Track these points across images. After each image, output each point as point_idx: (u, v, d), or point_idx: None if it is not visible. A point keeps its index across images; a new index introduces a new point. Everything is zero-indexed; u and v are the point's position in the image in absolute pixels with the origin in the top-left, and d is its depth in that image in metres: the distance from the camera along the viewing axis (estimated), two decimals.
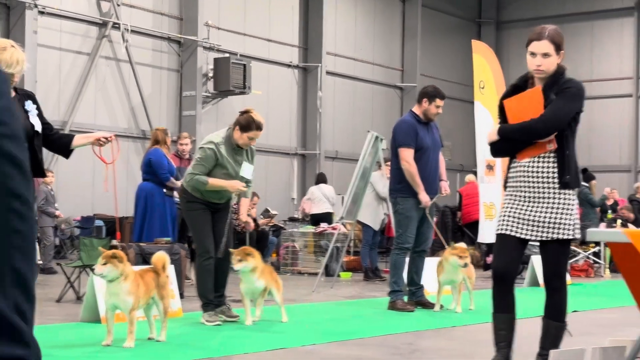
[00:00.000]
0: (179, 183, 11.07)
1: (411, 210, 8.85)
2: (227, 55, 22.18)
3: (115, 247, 9.63)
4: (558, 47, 5.00)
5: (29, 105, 6.15)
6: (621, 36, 28.48)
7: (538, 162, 5.06)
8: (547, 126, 4.98)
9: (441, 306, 9.08)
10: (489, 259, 15.54)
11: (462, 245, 9.51)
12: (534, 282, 12.74)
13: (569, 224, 5.04)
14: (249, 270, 7.53)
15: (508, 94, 5.17)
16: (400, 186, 8.92)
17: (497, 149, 5.18)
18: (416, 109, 9.08)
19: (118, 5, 20.55)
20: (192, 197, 7.93)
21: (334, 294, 11.01)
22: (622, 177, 27.80)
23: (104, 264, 6.19)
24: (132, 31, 20.88)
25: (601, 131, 28.16)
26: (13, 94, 6.10)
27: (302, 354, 6.23)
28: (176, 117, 22.20)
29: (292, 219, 21.67)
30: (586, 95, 5.12)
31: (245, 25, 23.35)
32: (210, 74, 22.31)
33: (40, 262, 12.03)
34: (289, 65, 24.42)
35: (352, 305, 9.75)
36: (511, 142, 5.07)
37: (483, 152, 13.24)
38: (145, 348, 6.23)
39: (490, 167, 13.32)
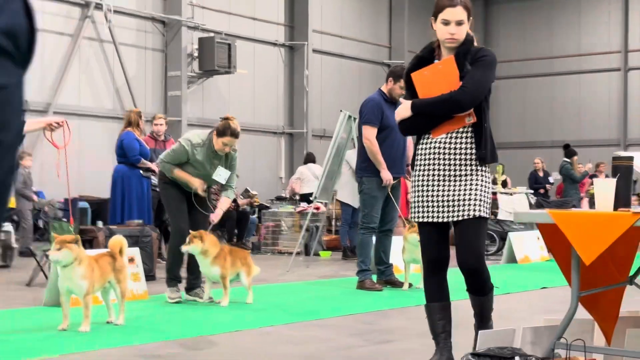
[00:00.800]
0: (151, 164, 11.09)
1: (376, 190, 8.85)
2: (211, 34, 22.11)
3: (87, 230, 9.66)
4: (469, 14, 4.70)
5: None
6: (608, 9, 28.37)
7: (455, 137, 4.75)
8: (470, 97, 4.65)
9: (410, 285, 9.09)
10: None
11: None
12: (512, 259, 12.78)
13: (482, 201, 4.73)
14: (198, 253, 7.60)
15: (414, 67, 4.78)
16: (365, 165, 8.92)
17: (408, 126, 4.81)
18: (384, 88, 9.06)
19: None
20: (168, 179, 8.07)
21: (308, 274, 11.04)
22: (611, 151, 27.78)
23: (59, 249, 6.20)
24: (115, 11, 20.77)
25: (590, 106, 28.11)
26: None
27: (257, 336, 6.25)
28: (162, 98, 22.15)
29: (280, 198, 21.65)
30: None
31: (230, 3, 23.25)
32: (195, 54, 22.24)
33: (16, 245, 12.03)
34: (274, 44, 24.34)
35: (324, 285, 9.78)
36: (426, 118, 4.73)
37: None
38: (101, 332, 6.25)
39: None
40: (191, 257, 8.05)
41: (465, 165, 4.76)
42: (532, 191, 17.21)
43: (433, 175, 4.81)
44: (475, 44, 4.79)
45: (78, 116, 20.43)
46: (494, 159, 4.81)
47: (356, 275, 9.25)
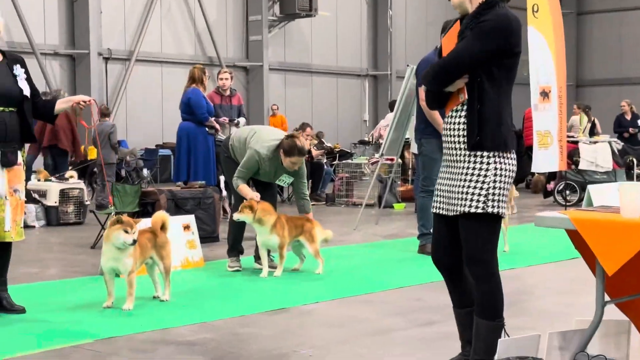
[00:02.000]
0: (216, 123, 11.02)
1: (436, 151, 8.57)
2: None
3: (149, 193, 9.70)
4: None
5: (17, 69, 6.10)
6: None
7: (452, 117, 4.30)
8: (435, 71, 4.23)
9: None
10: (550, 186, 15.12)
11: None
12: None
13: (480, 195, 4.18)
14: (251, 222, 7.52)
15: (447, 30, 4.37)
16: (423, 126, 8.65)
17: (427, 98, 4.45)
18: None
19: None
20: (231, 156, 8.00)
21: (374, 233, 10.89)
22: None
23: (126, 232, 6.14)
24: None
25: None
26: (1, 57, 6.06)
27: (296, 316, 6.17)
28: (243, 43, 22.08)
29: (363, 142, 21.49)
30: (515, 29, 4.11)
31: None
32: None
33: (89, 202, 12.23)
34: None
35: (385, 248, 9.61)
36: (432, 92, 4.37)
37: (536, 79, 12.73)
38: (143, 309, 6.26)
39: (545, 94, 12.79)
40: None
41: (459, 149, 4.28)
42: (617, 140, 16.49)
43: (444, 160, 4.43)
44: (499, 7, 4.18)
45: (160, 63, 20.59)
46: (495, 145, 4.19)
47: (417, 238, 9.06)
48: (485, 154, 4.21)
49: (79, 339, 5.39)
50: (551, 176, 15.23)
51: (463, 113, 4.25)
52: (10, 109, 6.02)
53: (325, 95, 23.37)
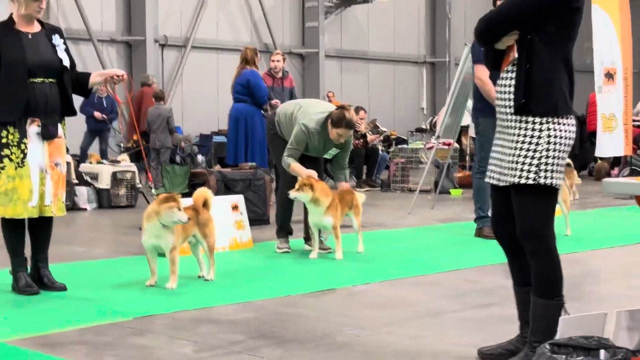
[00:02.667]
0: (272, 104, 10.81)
1: (492, 131, 8.19)
2: None
3: (199, 174, 9.52)
4: None
5: (57, 39, 5.93)
6: None
7: (502, 78, 3.98)
8: (481, 25, 3.91)
9: None
10: (614, 172, 14.60)
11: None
12: None
13: (532, 164, 3.87)
14: (308, 201, 7.24)
15: None
16: (481, 105, 8.30)
17: (484, 57, 4.14)
18: None
19: None
20: (277, 133, 7.77)
21: (429, 217, 10.57)
22: None
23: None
24: None
25: None
26: (39, 27, 5.88)
27: (344, 297, 5.90)
28: (299, 30, 21.86)
29: (420, 130, 21.14)
30: None
31: None
32: None
33: (140, 185, 12.12)
34: None
35: (440, 232, 9.29)
36: (485, 50, 4.04)
37: (600, 60, 12.27)
38: (187, 288, 6.05)
39: (609, 76, 12.33)
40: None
41: (508, 115, 3.96)
42: None
43: (497, 124, 4.09)
44: None
45: (216, 50, 20.45)
46: (546, 111, 3.85)
47: (474, 221, 8.72)
48: (536, 119, 3.89)
49: (118, 316, 5.21)
50: (615, 162, 14.74)
51: (513, 74, 3.93)
52: (50, 80, 5.85)
53: (382, 83, 23.03)
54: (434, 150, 12.02)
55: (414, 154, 14.36)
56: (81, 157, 14.69)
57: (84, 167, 11.96)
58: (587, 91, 16.35)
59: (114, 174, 11.61)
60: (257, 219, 9.26)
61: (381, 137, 16.10)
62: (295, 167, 7.48)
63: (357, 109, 15.01)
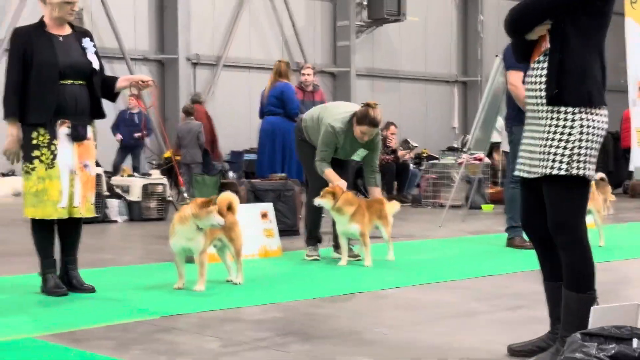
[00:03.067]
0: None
1: None
2: None
3: (229, 184, 9.52)
4: None
5: (87, 42, 5.96)
6: None
7: (533, 69, 3.93)
8: (514, 13, 3.88)
9: None
10: None
11: (597, 175, 8.74)
12: None
13: (564, 155, 3.81)
14: (330, 209, 7.20)
15: None
16: (514, 113, 8.21)
17: (512, 48, 4.06)
18: None
19: None
20: (305, 138, 7.76)
21: (460, 230, 10.48)
22: None
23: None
24: None
25: None
26: (70, 30, 5.92)
27: (374, 299, 5.84)
28: (330, 48, 21.92)
29: (452, 149, 21.03)
30: None
31: None
32: (365, 2, 21.80)
33: (171, 198, 12.15)
34: None
35: (471, 242, 9.21)
36: (515, 41, 4.02)
37: (635, 73, 12.13)
38: (214, 290, 6.03)
39: None
40: None
41: (540, 106, 3.90)
42: None
43: (526, 116, 4.05)
44: None
45: (248, 68, 20.57)
46: (579, 100, 3.79)
47: (505, 231, 8.63)
48: (569, 109, 3.82)
49: (144, 314, 5.19)
50: None
51: (545, 64, 3.88)
52: (80, 82, 5.88)
53: (414, 102, 22.99)
54: (464, 164, 11.93)
55: (446, 170, 14.27)
56: (113, 173, 14.78)
57: (115, 179, 12.01)
58: (622, 110, 16.21)
59: (145, 187, 11.64)
60: (286, 230, 9.23)
61: (412, 154, 16.03)
62: (329, 174, 7.44)
63: (388, 124, 14.97)
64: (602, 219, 8.66)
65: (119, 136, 15.86)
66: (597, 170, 11.76)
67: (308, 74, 11.48)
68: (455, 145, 20.48)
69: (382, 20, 21.59)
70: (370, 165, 7.74)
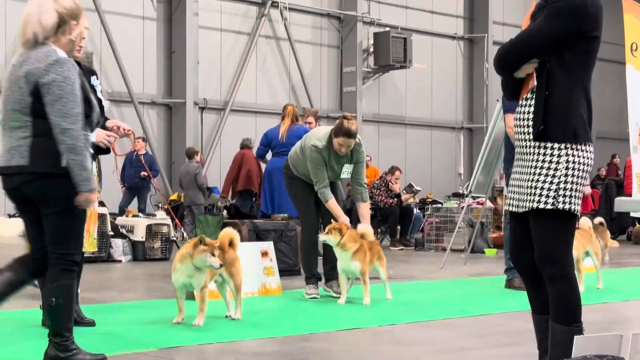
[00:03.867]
0: None
1: None
2: (387, 29, 21.84)
3: (230, 224, 9.62)
4: None
5: (94, 80, 6.13)
6: None
7: (522, 106, 4.03)
8: (502, 53, 3.98)
9: None
10: None
11: (596, 220, 8.81)
12: None
13: (550, 189, 3.92)
14: (335, 245, 7.28)
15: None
16: (510, 155, 8.29)
17: (502, 85, 4.17)
18: None
19: None
20: (293, 174, 7.91)
21: (461, 272, 10.54)
22: None
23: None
24: (291, 9, 20.94)
25: None
26: (77, 68, 6.06)
27: (370, 335, 5.91)
28: (337, 94, 22.13)
29: (456, 195, 21.12)
30: (591, 12, 3.82)
31: None
32: (371, 49, 22.06)
33: (175, 238, 12.25)
34: (453, 37, 23.75)
35: (471, 283, 9.27)
36: (505, 79, 4.11)
37: (636, 119, 12.26)
38: (213, 325, 6.10)
39: None
40: (326, 247, 7.83)
41: (527, 142, 4.01)
42: None
43: (515, 152, 4.17)
44: None
45: (254, 113, 20.76)
46: (565, 136, 3.90)
47: (504, 273, 8.69)
48: (555, 145, 3.95)
49: (144, 347, 5.27)
50: None
51: (532, 102, 4.00)
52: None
53: (419, 148, 23.14)
54: (465, 208, 12.03)
55: (449, 214, 14.36)
56: (119, 215, 14.90)
57: (120, 219, 12.13)
58: (626, 156, 16.30)
59: (149, 227, 11.75)
60: (287, 270, 9.31)
61: (416, 198, 16.13)
62: (332, 205, 7.56)
63: (393, 169, 15.12)
64: (600, 261, 8.71)
65: (123, 188, 16.04)
66: (601, 216, 11.88)
67: (310, 122, 11.61)
68: (460, 191, 20.55)
69: (388, 66, 21.81)
70: (357, 179, 7.86)
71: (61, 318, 4.67)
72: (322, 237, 7.35)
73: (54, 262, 4.58)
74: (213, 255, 6.01)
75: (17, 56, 4.62)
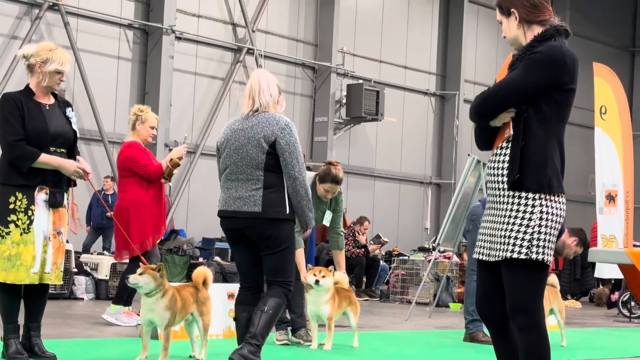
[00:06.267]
0: None
1: None
2: (360, 81, 22.05)
3: (198, 265, 9.56)
4: (505, 11, 4.06)
5: (70, 112, 6.12)
6: None
7: (496, 155, 4.06)
8: (478, 102, 4.03)
9: None
10: (614, 297, 14.56)
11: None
12: None
13: (524, 240, 3.93)
14: (327, 287, 7.21)
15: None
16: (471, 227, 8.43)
17: (475, 135, 4.23)
18: None
19: (253, 31, 20.78)
20: None
21: (426, 324, 10.53)
22: None
23: (141, 273, 6.03)
24: (267, 56, 21.08)
25: None
26: (52, 100, 6.05)
27: None
28: (308, 143, 22.20)
29: (422, 249, 21.19)
30: (569, 65, 3.88)
31: (382, 52, 23.16)
32: (344, 101, 22.23)
33: None
34: (425, 93, 24.01)
35: (435, 335, 9.26)
36: (479, 128, 4.14)
37: (602, 182, 12.45)
38: None
39: (611, 198, 12.47)
40: (294, 294, 7.78)
41: (501, 191, 4.04)
42: None
43: (487, 201, 4.19)
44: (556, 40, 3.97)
45: None
46: (540, 186, 3.94)
47: (465, 327, 8.68)
48: (530, 195, 3.98)
49: None
50: (615, 287, 14.71)
51: (507, 151, 4.03)
52: (61, 150, 5.99)
53: (387, 201, 23.22)
54: (432, 261, 12.07)
55: (415, 267, 14.39)
56: (83, 252, 14.74)
57: (85, 257, 12.02)
58: (591, 221, 16.49)
59: (114, 265, 11.64)
60: None
61: (382, 250, 16.15)
62: (299, 255, 7.47)
63: (362, 219, 15.15)
64: (564, 318, 8.74)
65: (88, 228, 15.97)
66: (565, 277, 11.85)
67: None
68: (426, 246, 20.62)
69: (360, 118, 21.96)
70: (335, 228, 7.89)
71: (265, 326, 5.49)
72: (321, 282, 7.15)
73: (275, 287, 5.58)
74: (140, 275, 5.95)
75: (239, 121, 5.74)
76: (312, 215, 5.60)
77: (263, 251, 5.55)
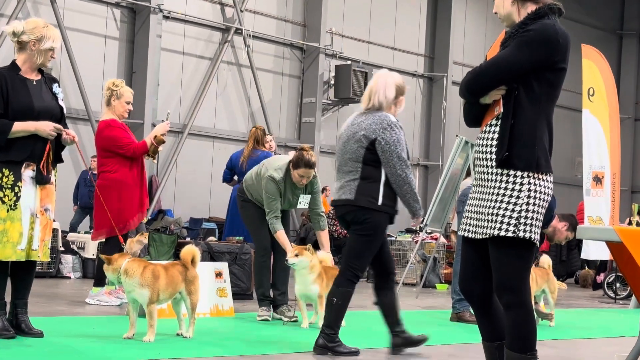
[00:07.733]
0: None
1: None
2: (348, 62, 22.00)
3: (185, 244, 9.54)
4: None
5: (56, 88, 6.07)
6: None
7: (485, 132, 4.06)
8: (468, 79, 4.03)
9: None
10: (599, 278, 14.63)
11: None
12: None
13: (512, 217, 3.93)
14: (303, 269, 7.21)
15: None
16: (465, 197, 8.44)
17: (464, 112, 4.21)
18: None
19: (242, 11, 20.67)
20: (247, 198, 7.91)
21: (412, 304, 10.56)
22: None
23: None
24: (255, 37, 20.98)
25: None
26: (39, 76, 6.01)
27: (324, 359, 5.88)
28: (295, 124, 22.17)
29: (409, 230, 21.23)
30: (561, 43, 3.88)
31: (370, 33, 23.11)
32: (332, 82, 22.18)
33: None
34: (413, 75, 23.99)
35: (422, 315, 9.29)
36: (469, 104, 4.13)
37: (590, 164, 12.49)
38: (164, 343, 6.03)
39: (598, 180, 12.52)
40: (277, 272, 7.84)
41: (489, 168, 4.03)
42: None
43: (474, 178, 4.20)
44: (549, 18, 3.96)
45: (212, 138, 20.72)
46: (528, 164, 3.94)
47: (452, 306, 8.71)
48: (518, 173, 3.98)
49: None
50: (601, 268, 14.79)
51: (497, 128, 4.03)
52: None
53: None
54: (420, 242, 12.09)
55: (402, 248, 14.41)
56: (70, 232, 14.69)
57: (72, 236, 11.98)
58: (577, 202, 16.55)
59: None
60: (240, 293, 9.26)
61: None
62: (281, 236, 7.56)
63: None
64: (555, 299, 8.78)
65: (75, 207, 15.90)
66: (550, 258, 11.92)
67: (271, 140, 11.58)
68: (413, 228, 20.65)
69: (348, 99, 21.92)
70: (315, 209, 7.91)
71: (336, 315, 5.94)
72: (294, 260, 7.20)
73: (343, 271, 6.00)
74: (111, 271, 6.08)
75: (354, 116, 6.09)
76: (418, 207, 6.24)
77: (351, 235, 6.01)
